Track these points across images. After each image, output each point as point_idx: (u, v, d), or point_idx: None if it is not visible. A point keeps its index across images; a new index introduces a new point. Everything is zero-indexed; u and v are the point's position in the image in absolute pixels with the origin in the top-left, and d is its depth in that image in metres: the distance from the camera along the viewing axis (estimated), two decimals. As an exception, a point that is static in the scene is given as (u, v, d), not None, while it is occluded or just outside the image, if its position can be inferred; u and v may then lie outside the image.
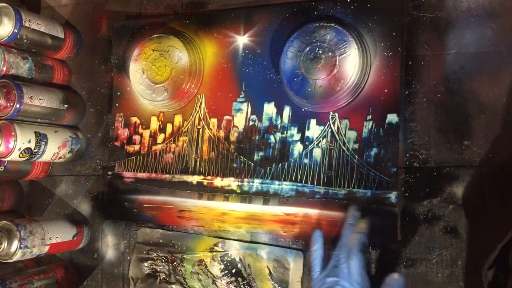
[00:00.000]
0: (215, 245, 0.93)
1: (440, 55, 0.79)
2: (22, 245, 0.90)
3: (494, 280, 0.63)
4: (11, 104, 0.91)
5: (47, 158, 0.99)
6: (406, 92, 0.80)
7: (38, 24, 0.96)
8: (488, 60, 0.76)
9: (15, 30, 0.92)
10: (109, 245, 1.02)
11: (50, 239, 0.95)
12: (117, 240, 1.02)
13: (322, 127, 0.85)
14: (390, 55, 0.81)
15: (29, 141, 0.93)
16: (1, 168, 0.99)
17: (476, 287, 0.69)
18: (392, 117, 0.80)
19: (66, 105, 1.01)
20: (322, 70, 0.81)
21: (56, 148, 0.99)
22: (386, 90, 0.81)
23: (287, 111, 0.88)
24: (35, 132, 0.94)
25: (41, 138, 0.95)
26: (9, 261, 0.90)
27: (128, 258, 1.00)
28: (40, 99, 0.95)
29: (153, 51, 0.95)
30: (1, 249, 0.89)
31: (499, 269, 0.64)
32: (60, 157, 1.01)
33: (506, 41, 0.75)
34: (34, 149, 0.94)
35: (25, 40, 0.95)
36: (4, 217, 0.97)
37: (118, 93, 1.03)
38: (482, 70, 0.76)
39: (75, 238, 1.00)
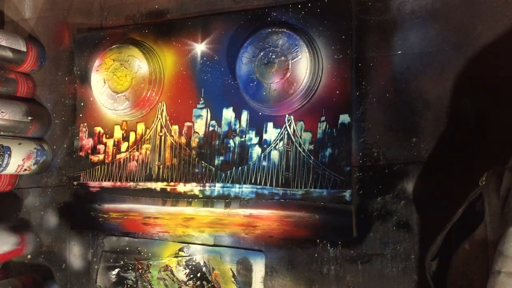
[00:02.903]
0: (180, 250, 0.94)
1: (387, 56, 0.81)
2: None
3: (438, 269, 0.65)
4: (-28, 117, 0.92)
5: (11, 171, 1.00)
6: (357, 93, 0.83)
7: (-1, 38, 0.98)
8: (432, 59, 0.78)
9: (-26, 45, 0.93)
10: (77, 255, 1.03)
11: None
12: (84, 250, 1.02)
13: (278, 130, 0.87)
14: (340, 57, 0.83)
15: (-9, 154, 0.94)
16: (-35, 182, 1.00)
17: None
18: (344, 118, 0.82)
19: (30, 117, 1.02)
20: (276, 74, 0.83)
21: (20, 160, 1.00)
22: (338, 92, 0.83)
23: (245, 115, 0.90)
24: (-2, 145, 0.95)
25: (4, 151, 0.96)
26: None
27: (96, 267, 1.01)
28: (2, 111, 0.96)
29: (114, 61, 0.96)
30: None
31: (443, 258, 0.66)
32: (26, 169, 1.02)
33: (449, 41, 0.78)
34: (-3, 161, 0.95)
35: (-15, 55, 0.96)
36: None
37: (82, 104, 1.04)
38: (427, 69, 0.79)
39: (19, 248, 1.01)
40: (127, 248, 0.98)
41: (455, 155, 0.76)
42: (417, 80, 0.79)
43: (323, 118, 0.84)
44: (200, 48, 0.94)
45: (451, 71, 0.77)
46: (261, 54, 0.85)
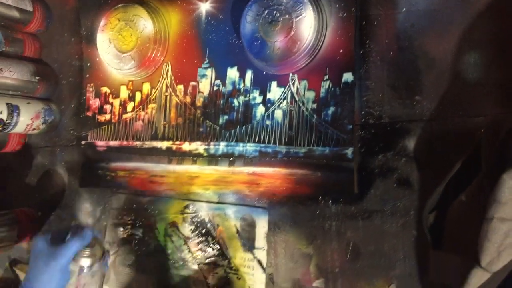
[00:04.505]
0: (186, 207, 0.96)
1: (392, 14, 0.81)
2: None
3: (435, 222, 0.67)
4: (-19, 76, 0.93)
5: (20, 130, 1.02)
6: (361, 52, 0.83)
7: (5, -3, 0.98)
8: (437, 17, 0.78)
9: (-19, 4, 0.94)
10: (86, 212, 1.06)
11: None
12: (93, 207, 1.05)
13: (282, 89, 0.88)
14: (344, 15, 0.83)
15: (1, 112, 0.95)
16: (-24, 141, 1.02)
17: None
18: (347, 76, 0.83)
19: (37, 77, 1.03)
20: (280, 32, 0.83)
21: (29, 119, 1.02)
22: (341, 50, 0.83)
23: (249, 74, 0.91)
24: (7, 104, 0.97)
25: (13, 109, 0.98)
26: None
27: (104, 223, 1.04)
28: (10, 71, 0.98)
29: (119, 20, 0.97)
30: None
31: (440, 212, 0.67)
32: (34, 129, 1.04)
33: (454, -2, 0.77)
34: (7, 120, 0.97)
35: (-8, 14, 0.97)
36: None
37: (88, 64, 1.05)
38: (432, 27, 0.78)
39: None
40: (134, 206, 1.01)
41: (457, 113, 0.76)
42: (421, 38, 0.79)
43: (326, 77, 0.84)
44: (205, 7, 0.94)
45: (456, 29, 0.77)
46: (265, 12, 0.85)
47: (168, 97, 0.97)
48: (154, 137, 0.98)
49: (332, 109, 0.84)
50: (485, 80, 0.74)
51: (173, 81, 0.97)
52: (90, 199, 1.05)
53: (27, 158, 1.12)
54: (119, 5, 0.97)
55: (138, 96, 1.00)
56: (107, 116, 1.03)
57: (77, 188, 1.07)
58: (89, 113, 1.04)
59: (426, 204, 0.67)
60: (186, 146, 0.95)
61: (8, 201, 1.12)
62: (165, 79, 0.98)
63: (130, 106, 1.01)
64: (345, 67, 0.83)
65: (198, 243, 0.95)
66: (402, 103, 0.80)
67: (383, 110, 0.81)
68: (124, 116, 1.01)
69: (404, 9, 0.80)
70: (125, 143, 1.01)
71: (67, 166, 1.08)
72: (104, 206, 1.04)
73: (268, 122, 0.89)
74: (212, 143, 0.93)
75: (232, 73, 0.92)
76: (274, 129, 0.88)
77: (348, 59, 0.83)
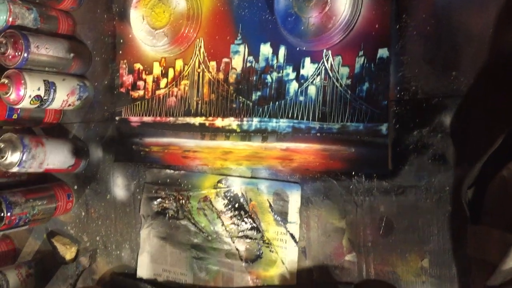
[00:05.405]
0: (219, 182, 0.98)
1: (429, -13, 0.80)
2: (20, 165, 0.98)
3: (473, 198, 0.67)
4: (19, 53, 0.95)
5: (57, 106, 1.04)
6: (397, 26, 0.82)
7: (39, -26, 1.00)
8: (476, -10, 0.77)
9: (17, -19, 0.95)
10: (120, 186, 1.09)
11: (47, 165, 1.04)
12: (127, 182, 1.08)
13: (316, 65, 0.88)
14: (380, -10, 0.82)
15: (39, 89, 0.98)
16: (15, 116, 1.05)
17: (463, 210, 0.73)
18: (383, 52, 0.82)
19: (72, 54, 1.05)
20: (314, 8, 0.83)
21: (65, 95, 1.04)
22: (377, 25, 0.83)
23: (282, 50, 0.91)
24: (44, 80, 0.99)
25: (50, 86, 1.00)
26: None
27: (139, 197, 1.06)
28: (46, 48, 1.00)
29: (152, -3, 0.97)
30: (4, 158, 0.97)
31: (478, 187, 0.67)
32: (70, 105, 1.06)
33: (495, -29, 0.75)
34: (44, 96, 0.99)
35: (28, -9, 0.99)
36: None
37: (121, 41, 1.06)
38: (470, 1, 0.77)
39: (69, 168, 1.09)
40: (168, 180, 1.03)
41: (495, 88, 0.75)
42: (459, 11, 0.77)
43: (361, 53, 0.84)
44: (237, -18, 0.94)
45: (495, 4, 0.75)
46: (300, -13, 0.84)
47: (201, 73, 0.98)
48: (187, 113, 1.00)
49: (366, 85, 0.84)
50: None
51: (206, 58, 0.97)
52: (124, 174, 1.08)
53: (63, 134, 1.15)
54: (152, -18, 0.97)
55: (171, 72, 1.01)
56: (141, 92, 1.05)
57: (111, 163, 1.09)
58: (122, 89, 1.06)
59: (465, 179, 0.67)
60: (219, 122, 0.96)
61: (45, 175, 1.16)
62: (197, 55, 0.98)
63: (163, 83, 1.02)
64: (380, 43, 0.82)
65: (231, 217, 0.97)
66: (439, 78, 0.79)
67: (419, 85, 0.80)
68: (157, 92, 1.03)
69: (442, -17, 0.79)
70: (158, 119, 1.03)
71: (102, 141, 1.11)
72: (139, 181, 1.06)
73: (301, 98, 0.89)
74: (245, 119, 0.94)
75: (265, 49, 0.92)
76: (307, 105, 0.89)
77: (384, 34, 0.82)
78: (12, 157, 0.97)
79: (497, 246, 0.58)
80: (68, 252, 1.13)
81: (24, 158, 0.98)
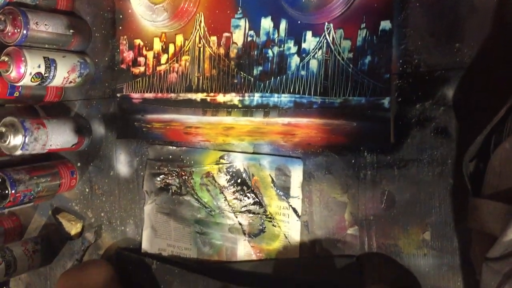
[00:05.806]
0: (221, 157, 0.99)
1: (433, -43, 0.78)
2: (24, 148, 0.99)
3: (475, 171, 0.67)
4: (18, 30, 0.94)
5: (58, 83, 1.04)
6: (400, -2, 0.81)
7: (36, -51, 0.98)
8: (481, -41, 0.75)
9: (14, -44, 0.94)
10: (123, 163, 1.09)
11: (50, 145, 1.04)
12: (130, 158, 1.08)
13: (317, 39, 0.87)
14: (383, -40, 0.80)
15: (39, 66, 0.97)
16: (17, 94, 1.05)
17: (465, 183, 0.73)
18: (385, 24, 0.81)
19: (71, 30, 1.04)
20: (316, -21, 0.82)
21: (65, 72, 1.03)
22: (379, -3, 0.81)
23: (283, 24, 0.90)
24: (44, 57, 0.99)
25: (50, 63, 0.99)
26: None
27: (142, 174, 1.07)
28: (45, 24, 0.99)
29: (151, -29, 0.96)
30: (7, 142, 0.98)
31: (480, 160, 0.67)
32: (71, 82, 1.06)
33: None
34: (45, 73, 0.99)
35: (25, -34, 0.97)
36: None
37: (121, 16, 1.05)
38: (475, -30, 0.75)
39: (73, 147, 1.09)
40: (170, 156, 1.03)
41: (498, 60, 0.74)
42: (463, -18, 0.76)
43: (363, 25, 0.83)
44: (237, -45, 0.92)
45: (500, -28, 0.74)
46: (301, -42, 0.83)
47: (201, 48, 0.97)
48: (189, 89, 0.99)
49: (368, 58, 0.83)
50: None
51: (206, 33, 0.96)
52: (127, 150, 1.08)
53: (64, 111, 1.15)
54: (150, -45, 0.96)
55: (171, 48, 1.01)
56: (141, 69, 1.04)
57: (114, 139, 1.09)
58: (123, 66, 1.06)
59: (467, 152, 0.67)
60: (221, 98, 0.96)
61: (48, 153, 1.16)
62: (198, 30, 0.97)
63: (163, 58, 1.01)
64: (383, 15, 0.81)
65: (234, 192, 0.98)
66: (442, 51, 0.78)
67: (421, 58, 0.80)
68: (158, 68, 1.02)
69: (446, -48, 0.77)
70: (160, 95, 1.02)
71: (104, 118, 1.11)
72: (141, 157, 1.07)
73: (303, 73, 0.88)
74: (246, 94, 0.94)
75: (266, 23, 0.91)
76: (309, 79, 0.88)
77: (387, 6, 0.81)
78: (15, 141, 0.98)
79: (497, 218, 0.58)
80: (73, 228, 1.15)
81: (26, 141, 0.98)
